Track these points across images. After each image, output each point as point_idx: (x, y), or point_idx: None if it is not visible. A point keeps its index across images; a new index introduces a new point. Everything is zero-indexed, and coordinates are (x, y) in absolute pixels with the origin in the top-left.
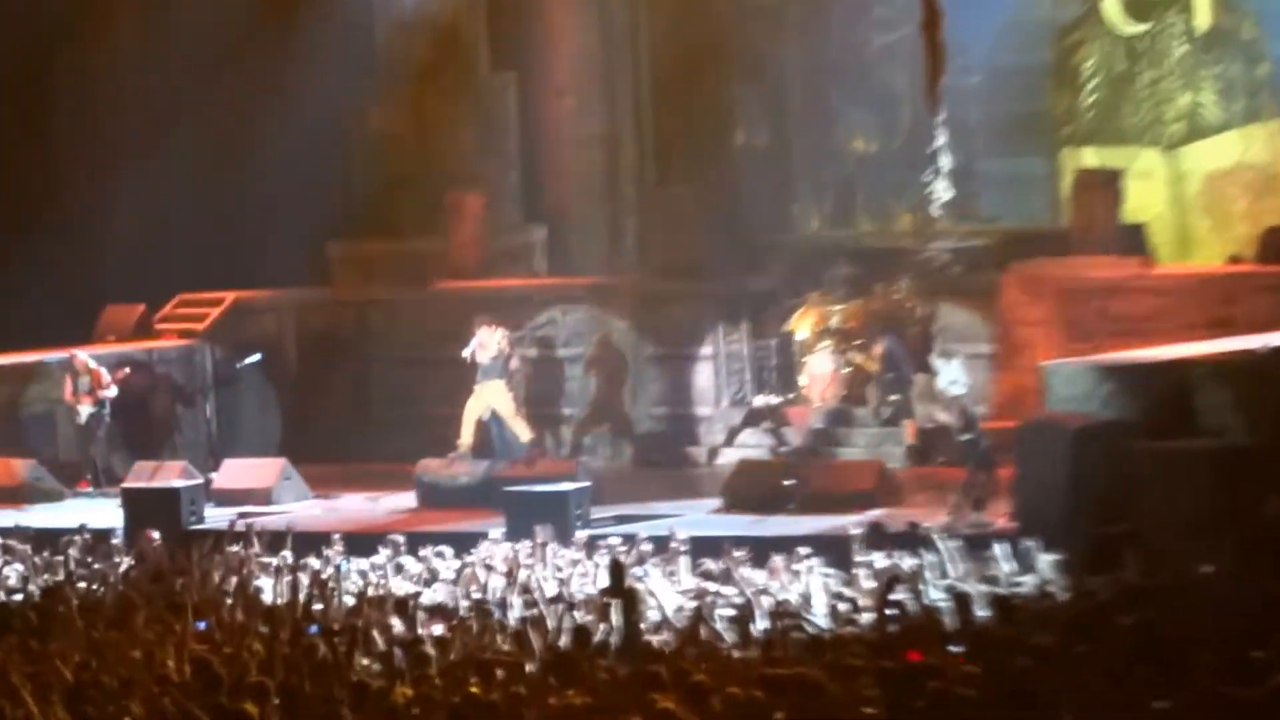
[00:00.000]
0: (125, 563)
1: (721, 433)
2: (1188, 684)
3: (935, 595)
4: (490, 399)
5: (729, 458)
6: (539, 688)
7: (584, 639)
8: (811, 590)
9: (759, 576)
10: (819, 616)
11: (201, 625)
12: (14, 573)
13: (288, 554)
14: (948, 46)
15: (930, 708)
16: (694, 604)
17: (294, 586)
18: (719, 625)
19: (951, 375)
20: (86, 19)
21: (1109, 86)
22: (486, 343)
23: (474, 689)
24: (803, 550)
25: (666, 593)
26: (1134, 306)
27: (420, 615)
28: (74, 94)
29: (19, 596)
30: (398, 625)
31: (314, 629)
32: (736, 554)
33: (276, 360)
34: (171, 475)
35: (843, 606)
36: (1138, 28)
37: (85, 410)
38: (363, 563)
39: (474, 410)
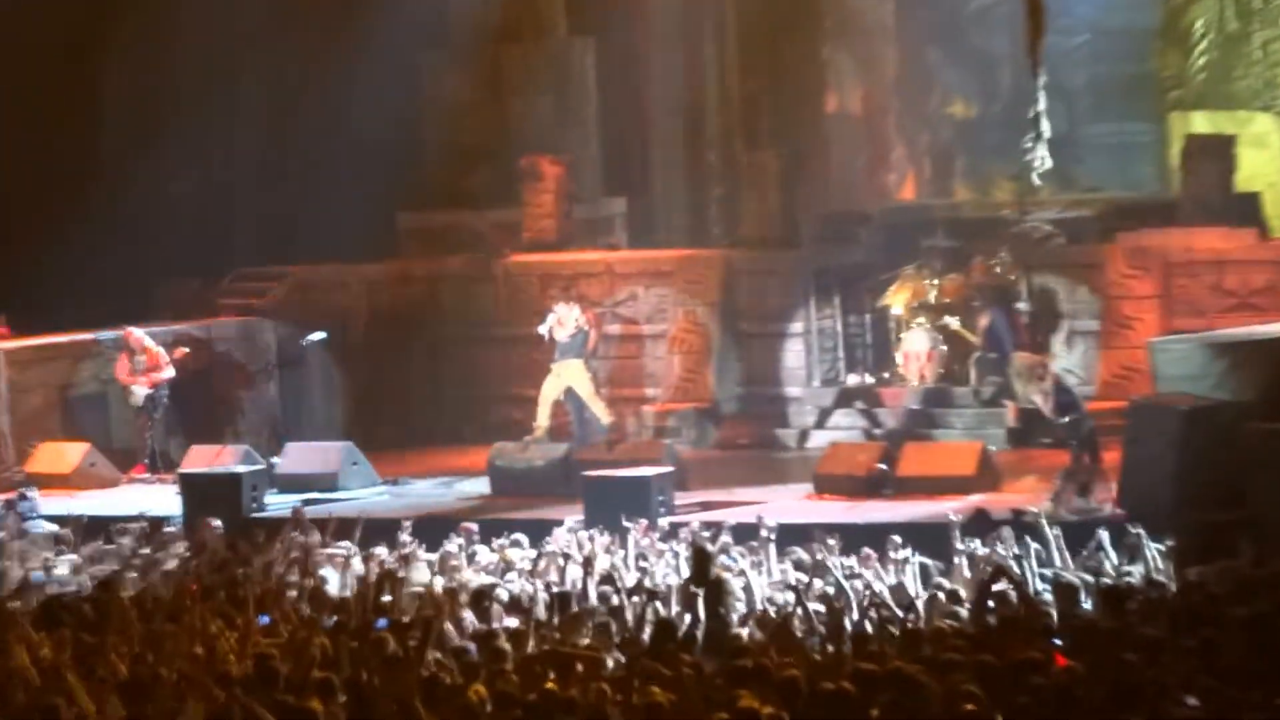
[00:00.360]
0: (183, 553)
1: (812, 414)
2: None
3: (1038, 586)
4: (569, 379)
5: (820, 441)
6: (620, 683)
7: (667, 632)
8: (907, 581)
9: (851, 566)
10: (915, 608)
11: (264, 619)
12: (66, 563)
13: (353, 543)
14: (1050, 5)
15: (1033, 704)
16: (783, 595)
17: (362, 577)
18: (810, 617)
19: (1071, 363)
20: None
21: (1220, 47)
22: (564, 319)
23: (551, 685)
24: (897, 538)
25: (754, 583)
26: (1247, 280)
27: (495, 608)
28: (129, 61)
29: (72, 588)
30: (471, 619)
31: (382, 623)
32: (829, 542)
33: (342, 338)
34: (232, 460)
35: (941, 597)
36: None
37: (141, 392)
38: (434, 553)
39: (551, 391)
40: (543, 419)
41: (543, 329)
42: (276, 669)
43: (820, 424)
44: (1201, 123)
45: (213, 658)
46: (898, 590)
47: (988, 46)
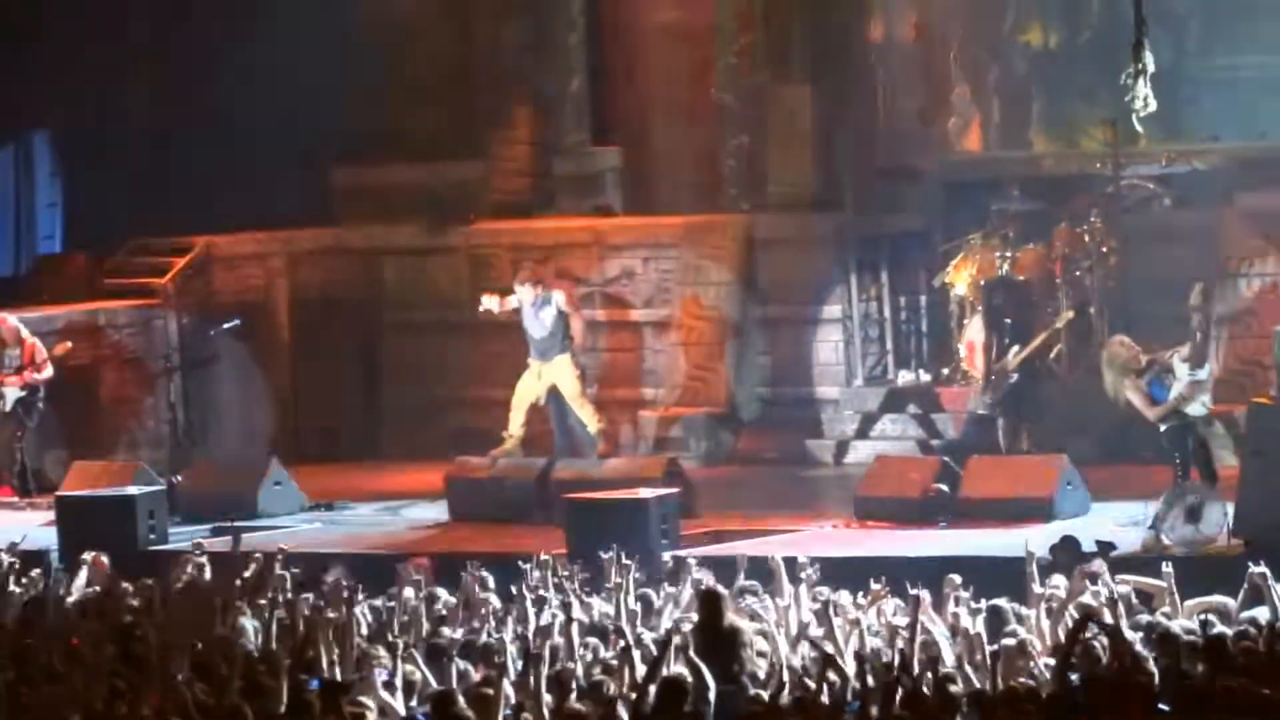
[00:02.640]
0: (63, 596)
1: (853, 420)
2: None
3: (1135, 635)
4: (552, 378)
5: (862, 454)
6: None
7: (674, 694)
8: (970, 630)
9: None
10: (978, 663)
11: (179, 676)
12: None
13: (282, 581)
14: None
15: None
16: (815, 646)
17: (289, 626)
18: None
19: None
20: None
21: None
22: (532, 306)
23: None
24: (957, 578)
25: (778, 634)
26: None
27: (455, 663)
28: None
29: None
30: (427, 677)
31: (314, 683)
32: (875, 585)
33: (263, 326)
34: (124, 479)
35: (1014, 650)
36: None
37: (11, 394)
38: (378, 597)
39: (528, 393)
40: (515, 427)
41: (488, 304)
42: None
43: (863, 433)
44: None
45: None
46: (961, 642)
47: None
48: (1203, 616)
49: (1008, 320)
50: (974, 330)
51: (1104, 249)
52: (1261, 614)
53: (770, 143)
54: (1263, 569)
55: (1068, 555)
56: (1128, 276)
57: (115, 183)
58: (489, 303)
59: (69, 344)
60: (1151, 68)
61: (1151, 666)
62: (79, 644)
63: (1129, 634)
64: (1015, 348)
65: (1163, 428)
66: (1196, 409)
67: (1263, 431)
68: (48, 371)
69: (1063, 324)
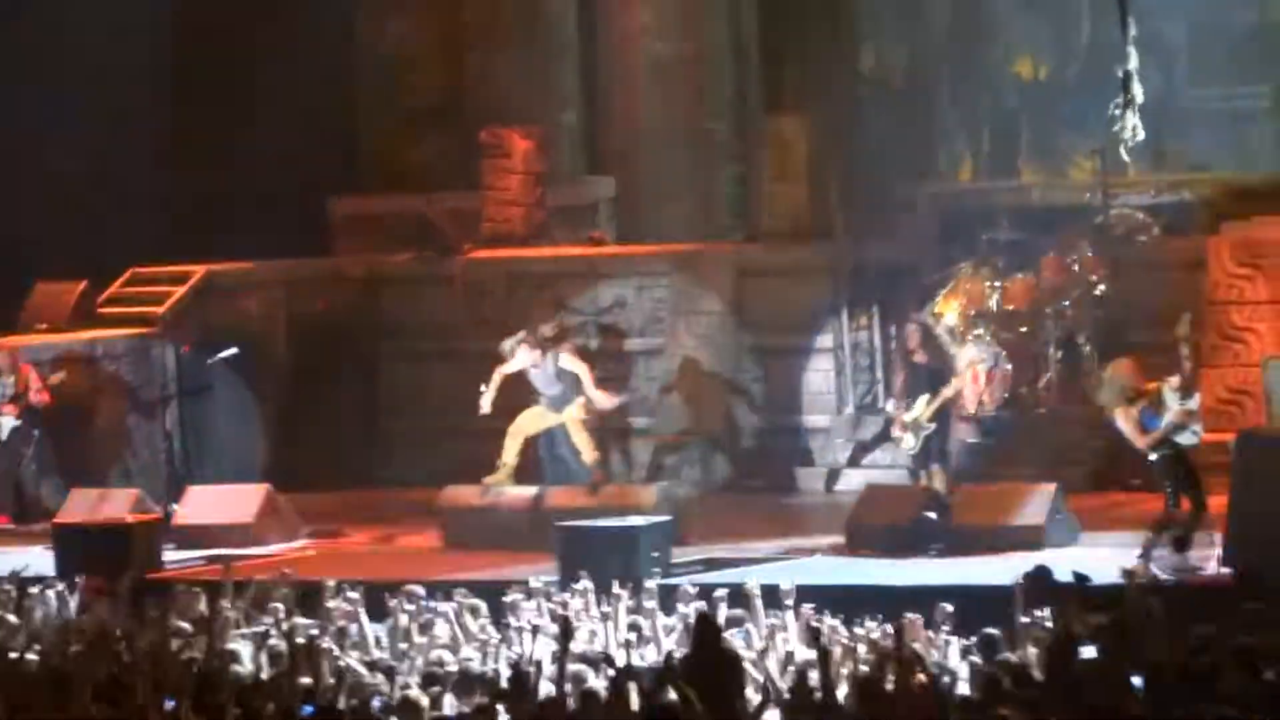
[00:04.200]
0: (57, 623)
1: (844, 449)
2: None
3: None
4: (559, 420)
5: (853, 483)
6: None
7: None
8: (955, 659)
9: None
10: (964, 692)
11: (169, 704)
12: None
13: (276, 610)
14: None
15: None
16: (806, 672)
17: (285, 654)
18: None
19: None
20: None
21: None
22: (538, 366)
23: None
24: (948, 606)
25: (772, 662)
26: None
27: (448, 692)
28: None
29: None
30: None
31: (308, 710)
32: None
33: (260, 355)
34: (120, 507)
35: (1005, 679)
36: None
37: (7, 423)
38: (373, 623)
39: (529, 425)
40: (509, 455)
41: (486, 401)
42: None
43: (854, 461)
44: None
45: None
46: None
47: None
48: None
49: (921, 362)
50: (964, 359)
51: (1093, 278)
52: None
53: (762, 173)
54: (1251, 596)
55: (1039, 585)
56: (1116, 305)
57: (116, 212)
58: (485, 400)
59: (63, 372)
60: (1140, 98)
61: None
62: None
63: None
64: (925, 397)
65: (1152, 456)
66: (1188, 438)
67: (1250, 460)
68: (43, 398)
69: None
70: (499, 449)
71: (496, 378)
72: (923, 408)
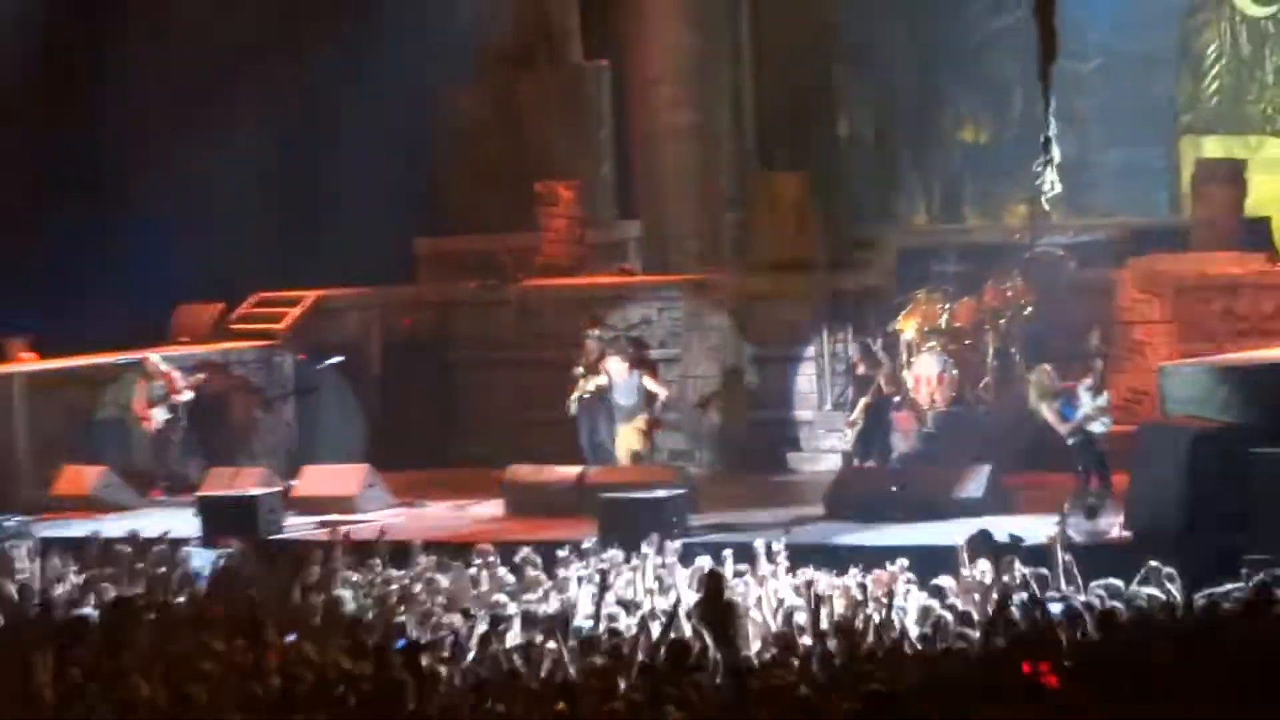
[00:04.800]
0: (201, 572)
1: (824, 438)
2: None
3: (1047, 609)
4: (630, 434)
5: (832, 463)
6: (636, 705)
7: (681, 654)
8: (912, 602)
9: (859, 586)
10: (920, 629)
11: (290, 638)
12: (77, 584)
13: (374, 564)
14: (1061, 30)
15: None
16: (793, 615)
17: (380, 599)
18: (821, 637)
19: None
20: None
21: (1233, 72)
22: (624, 379)
23: (561, 708)
24: (905, 561)
25: (765, 605)
26: (1258, 305)
27: (510, 629)
28: (140, 82)
29: (89, 610)
30: (486, 637)
31: (401, 643)
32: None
33: (359, 362)
34: (250, 482)
35: (951, 620)
36: (1265, 9)
37: (159, 417)
38: (448, 574)
39: (624, 451)
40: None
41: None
42: (295, 690)
43: (832, 448)
44: (1213, 147)
45: (229, 680)
46: (903, 611)
47: (999, 72)
48: (1099, 593)
49: (862, 373)
50: (920, 366)
51: (1023, 302)
52: (1146, 592)
53: (759, 218)
54: (1146, 554)
55: (982, 546)
56: (1042, 323)
57: (244, 247)
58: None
59: (203, 375)
60: (1060, 158)
61: (1060, 633)
62: (220, 610)
63: (1048, 606)
64: (862, 400)
65: (1070, 441)
66: (1098, 427)
67: (1148, 447)
68: (186, 396)
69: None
70: (546, 437)
71: (590, 385)
72: (857, 410)
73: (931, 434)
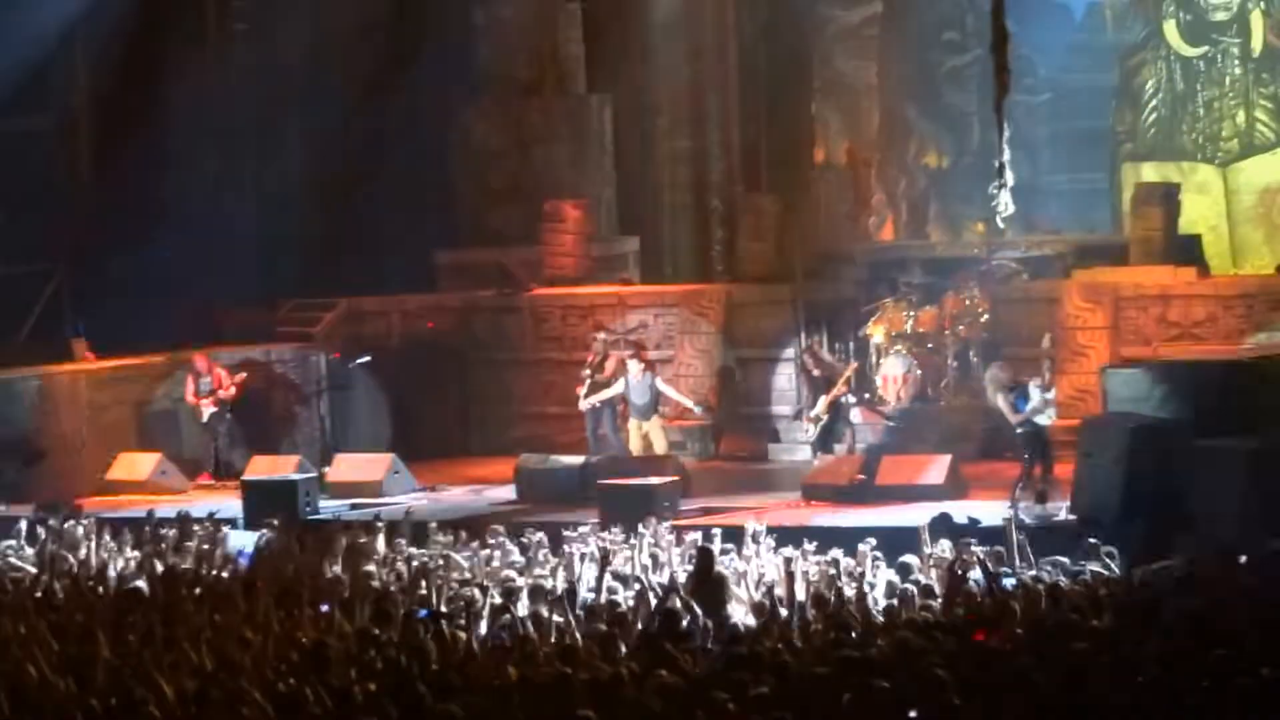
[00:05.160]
0: (243, 548)
1: (801, 431)
2: (1234, 670)
3: (1003, 583)
4: (648, 430)
5: (808, 454)
6: (633, 668)
7: (674, 622)
8: (881, 578)
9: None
10: (887, 601)
11: (324, 608)
12: (133, 560)
13: (399, 542)
14: (1016, 67)
15: (996, 688)
16: (774, 589)
17: (405, 573)
18: (801, 608)
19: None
20: (204, 30)
21: (1168, 105)
22: (639, 379)
23: (567, 670)
24: (873, 540)
25: (749, 579)
26: (1189, 313)
27: (519, 600)
28: (193, 110)
29: (141, 584)
30: (499, 608)
31: (423, 612)
32: (809, 544)
33: (385, 361)
34: (288, 469)
35: (915, 592)
36: (1196, 50)
37: (207, 410)
38: (465, 551)
39: (636, 441)
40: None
41: (615, 390)
42: (329, 655)
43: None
44: (1150, 172)
45: (267, 646)
46: (872, 586)
47: (959, 104)
48: (1048, 569)
49: (816, 375)
50: (887, 367)
51: (980, 310)
52: (1089, 568)
53: (743, 235)
54: (1089, 534)
55: (943, 527)
56: (996, 329)
57: (282, 260)
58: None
59: (245, 373)
60: (1013, 182)
61: (1014, 604)
62: (261, 584)
63: (1003, 581)
64: (823, 398)
65: (1019, 430)
66: (1044, 419)
67: (1090, 440)
68: (231, 391)
69: (849, 375)
70: (556, 428)
71: (610, 392)
72: (821, 406)
73: (897, 427)
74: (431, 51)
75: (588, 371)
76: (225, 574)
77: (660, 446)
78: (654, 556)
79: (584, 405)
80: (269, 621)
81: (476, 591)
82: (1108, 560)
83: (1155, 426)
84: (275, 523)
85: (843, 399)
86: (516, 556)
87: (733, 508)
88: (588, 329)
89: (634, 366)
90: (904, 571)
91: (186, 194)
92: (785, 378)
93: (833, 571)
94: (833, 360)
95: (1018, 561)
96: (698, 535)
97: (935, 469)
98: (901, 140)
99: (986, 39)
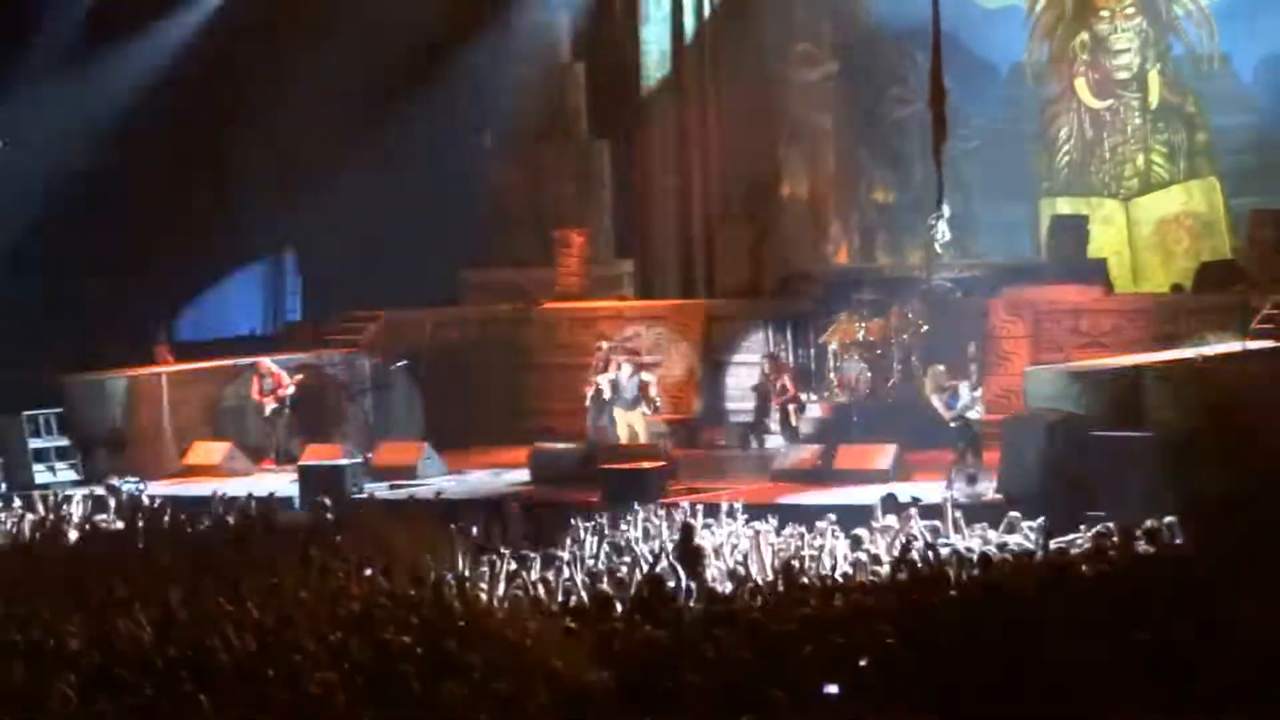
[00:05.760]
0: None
1: (771, 424)
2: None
3: (939, 552)
4: (630, 420)
5: (776, 443)
6: (626, 623)
7: (659, 583)
8: (839, 548)
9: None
10: (843, 567)
11: (368, 572)
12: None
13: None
14: (951, 117)
15: (933, 640)
16: (747, 557)
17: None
18: (772, 572)
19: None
20: (262, 64)
21: (1079, 149)
22: (629, 377)
23: (571, 625)
24: (833, 516)
25: (725, 549)
26: (1096, 324)
27: (533, 566)
28: (257, 145)
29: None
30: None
31: (450, 577)
32: (775, 520)
33: (420, 365)
34: (337, 455)
35: (866, 560)
36: (1103, 103)
37: (269, 406)
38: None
39: (622, 429)
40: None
41: (602, 383)
42: (373, 612)
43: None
44: (1064, 206)
45: (320, 604)
46: (832, 556)
47: (903, 148)
48: (978, 540)
49: (774, 380)
50: (843, 370)
51: (920, 322)
52: (1013, 539)
53: (720, 258)
54: (1015, 513)
55: (890, 505)
56: (935, 337)
57: (331, 280)
58: (603, 380)
59: (301, 375)
60: (949, 214)
61: (949, 570)
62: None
63: (940, 551)
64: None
65: (952, 425)
66: (974, 414)
67: (1014, 432)
68: (289, 390)
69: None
70: (564, 422)
71: (604, 380)
72: (774, 408)
73: (853, 421)
74: (462, 105)
75: (594, 373)
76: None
77: (643, 435)
78: (645, 530)
79: (587, 400)
80: (321, 584)
81: (495, 558)
82: (1029, 532)
83: (1069, 420)
84: (327, 500)
85: (791, 405)
86: (530, 530)
87: (712, 488)
88: (591, 338)
89: (626, 368)
90: (856, 542)
91: (250, 227)
92: (756, 378)
93: (797, 543)
94: (789, 365)
95: (953, 534)
96: (683, 512)
97: (883, 456)
98: (855, 179)
99: (927, 94)
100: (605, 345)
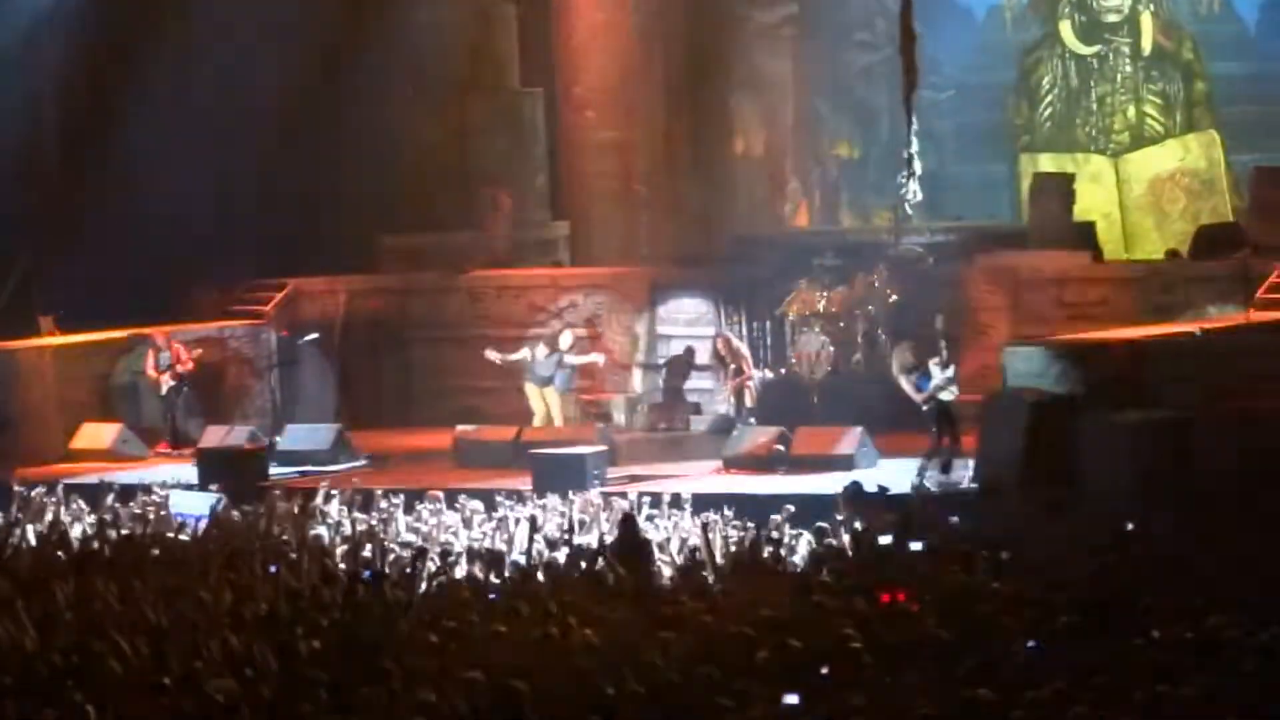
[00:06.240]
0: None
1: (722, 404)
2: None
3: (909, 547)
4: (547, 398)
5: (727, 426)
6: (562, 626)
7: (599, 583)
8: (800, 543)
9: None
10: (803, 564)
11: (273, 569)
12: (88, 525)
13: (342, 508)
14: (922, 65)
15: (903, 647)
16: (696, 552)
17: (350, 537)
18: (719, 569)
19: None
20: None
21: (1064, 100)
22: (545, 358)
23: (502, 627)
24: (790, 507)
25: (672, 543)
26: (1083, 295)
27: (457, 562)
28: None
29: (95, 545)
30: (437, 570)
31: (367, 574)
32: (728, 512)
33: (331, 338)
34: (240, 438)
35: (827, 555)
36: (1090, 49)
37: (165, 383)
38: (406, 517)
39: (537, 401)
40: (539, 416)
41: (493, 356)
42: (278, 615)
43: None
44: (1047, 163)
45: (219, 605)
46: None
47: (869, 99)
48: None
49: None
50: (802, 344)
51: (887, 291)
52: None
53: (669, 219)
54: (991, 501)
55: (855, 495)
56: (905, 309)
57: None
58: (494, 356)
59: (201, 349)
60: (920, 171)
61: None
62: (214, 547)
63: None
64: (728, 384)
65: (925, 408)
66: (947, 395)
67: (992, 413)
68: (188, 366)
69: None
70: (491, 401)
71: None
72: (727, 391)
73: (813, 401)
74: (378, 52)
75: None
76: (181, 538)
77: (558, 416)
78: (581, 522)
79: (490, 356)
80: (221, 583)
81: (413, 554)
82: (1005, 526)
83: (1052, 401)
84: (227, 488)
85: (746, 386)
86: (452, 521)
87: (657, 475)
88: (521, 308)
89: (540, 349)
90: (818, 536)
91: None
92: (706, 354)
93: (752, 536)
94: (741, 348)
95: (920, 527)
96: (624, 501)
97: (848, 440)
98: (815, 132)
99: (895, 39)
100: (557, 325)
